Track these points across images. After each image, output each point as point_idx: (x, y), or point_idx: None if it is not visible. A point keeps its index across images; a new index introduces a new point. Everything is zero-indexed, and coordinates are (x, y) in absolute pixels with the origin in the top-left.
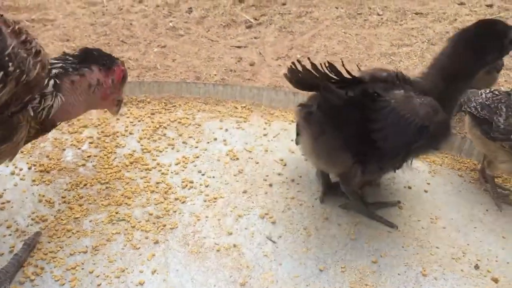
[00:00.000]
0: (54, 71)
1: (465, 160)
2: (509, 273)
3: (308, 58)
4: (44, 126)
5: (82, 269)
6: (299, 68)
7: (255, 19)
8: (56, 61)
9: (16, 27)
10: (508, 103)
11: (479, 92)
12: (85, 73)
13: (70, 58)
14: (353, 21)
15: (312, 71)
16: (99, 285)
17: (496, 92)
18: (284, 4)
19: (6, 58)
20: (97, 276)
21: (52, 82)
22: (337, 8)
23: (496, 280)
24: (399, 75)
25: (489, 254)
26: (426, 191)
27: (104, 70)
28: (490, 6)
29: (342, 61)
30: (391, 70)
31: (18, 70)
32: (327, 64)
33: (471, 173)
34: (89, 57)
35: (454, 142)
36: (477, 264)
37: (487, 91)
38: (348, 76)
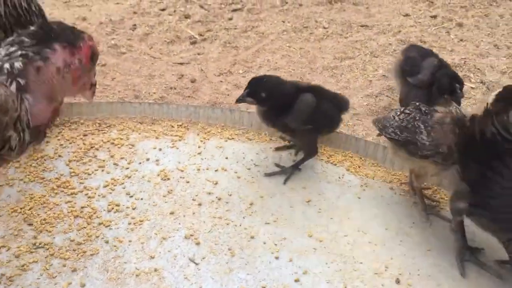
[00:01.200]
0: (15, 64)
1: (397, 173)
2: (429, 287)
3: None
4: (33, 135)
5: None
6: None
7: (200, 34)
8: (12, 48)
9: None
10: (423, 118)
11: (391, 116)
12: (49, 55)
13: (26, 40)
14: (298, 35)
15: None
16: None
17: (407, 111)
18: (230, 19)
19: None
20: None
21: (14, 84)
22: (283, 22)
23: None
24: None
25: (412, 268)
26: (356, 205)
27: (70, 48)
28: (434, 17)
29: None
30: None
31: None
32: None
33: (402, 186)
34: (49, 34)
35: (387, 154)
36: (398, 279)
37: (398, 113)
38: None
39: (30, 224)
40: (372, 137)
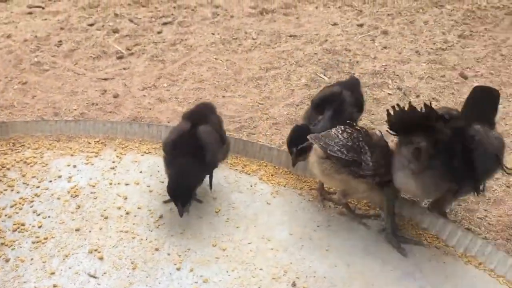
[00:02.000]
0: None
1: (308, 179)
2: (324, 287)
3: (409, 102)
4: None
5: None
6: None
7: (128, 49)
8: None
9: None
10: (366, 139)
11: (333, 134)
12: None
13: None
14: (226, 47)
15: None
16: None
17: (348, 131)
18: (160, 32)
19: None
20: None
21: None
22: (213, 34)
23: None
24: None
25: (308, 271)
26: (264, 213)
27: None
28: (361, 25)
29: (430, 102)
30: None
31: None
32: (424, 105)
33: (312, 192)
34: None
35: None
36: (294, 282)
37: (340, 131)
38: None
39: None
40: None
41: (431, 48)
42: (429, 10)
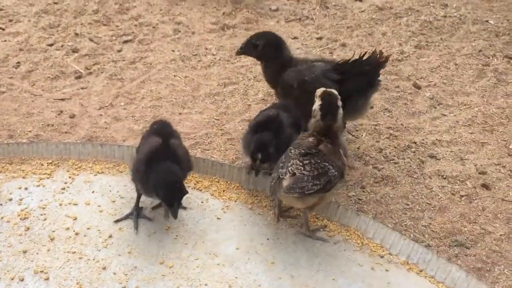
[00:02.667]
0: None
1: (259, 194)
2: None
3: None
4: None
5: None
6: None
7: (87, 68)
8: None
9: None
10: (322, 157)
11: (299, 175)
12: None
13: None
14: (186, 63)
15: None
16: None
17: (306, 161)
18: (119, 51)
19: None
20: None
21: None
22: (173, 51)
23: None
24: None
25: (253, 285)
26: (213, 228)
27: None
28: (320, 38)
29: None
30: None
31: None
32: None
33: (261, 205)
34: None
35: (250, 177)
36: None
37: (301, 167)
38: None
39: None
40: (243, 161)
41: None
42: (386, 22)
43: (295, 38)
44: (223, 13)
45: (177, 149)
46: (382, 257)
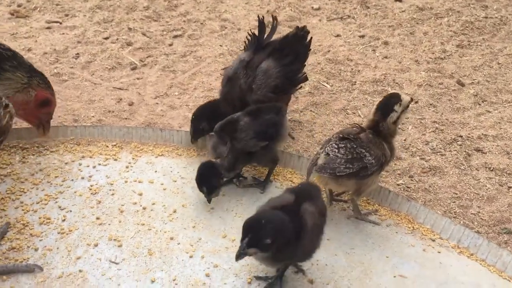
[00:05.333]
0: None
1: (311, 179)
2: (324, 275)
3: None
4: None
5: None
6: None
7: (141, 60)
8: None
9: None
10: (359, 143)
11: (333, 157)
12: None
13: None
14: (234, 58)
15: None
16: None
17: (342, 145)
18: (171, 45)
19: None
20: None
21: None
22: (221, 45)
23: (311, 282)
24: None
25: (312, 260)
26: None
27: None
28: (363, 36)
29: None
30: None
31: None
32: None
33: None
34: None
35: (302, 164)
36: (295, 270)
37: (336, 150)
38: None
39: None
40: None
41: (430, 58)
42: (427, 21)
43: (337, 36)
44: (267, 11)
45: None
46: (433, 240)
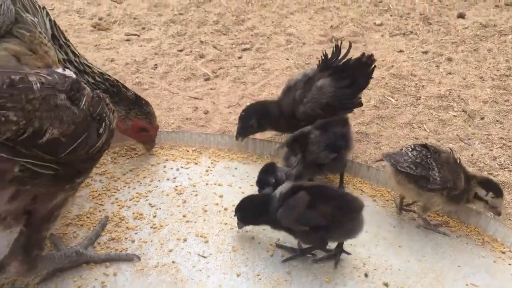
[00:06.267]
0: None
1: (380, 188)
2: (398, 279)
3: None
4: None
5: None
6: None
7: (213, 72)
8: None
9: (101, 95)
10: (434, 157)
11: (403, 151)
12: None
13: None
14: (300, 71)
15: None
16: None
17: (418, 149)
18: (240, 57)
19: (105, 115)
20: None
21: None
22: (287, 59)
23: (386, 285)
24: None
25: (385, 264)
26: None
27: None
28: (426, 52)
29: None
30: None
31: (110, 123)
32: None
33: (383, 199)
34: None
35: (371, 174)
36: (366, 273)
37: (410, 149)
38: None
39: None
40: (369, 162)
41: (495, 75)
42: (491, 38)
43: (400, 51)
44: (331, 26)
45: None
46: (503, 253)
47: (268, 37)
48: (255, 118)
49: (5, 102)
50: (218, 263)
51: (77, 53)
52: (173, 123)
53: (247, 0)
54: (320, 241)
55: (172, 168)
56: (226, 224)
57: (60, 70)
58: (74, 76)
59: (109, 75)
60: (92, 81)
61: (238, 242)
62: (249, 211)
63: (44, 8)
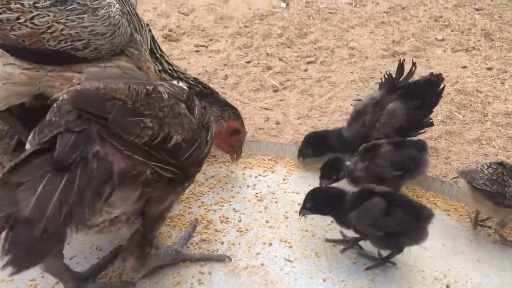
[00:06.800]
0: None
1: (454, 203)
2: None
3: None
4: None
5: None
6: None
7: (281, 84)
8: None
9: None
10: (510, 174)
11: (479, 169)
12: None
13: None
14: (365, 84)
15: None
16: None
17: (494, 166)
18: (306, 70)
19: (210, 124)
20: (156, 282)
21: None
22: (352, 73)
23: None
24: None
25: (465, 277)
26: None
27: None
28: (490, 69)
29: None
30: None
31: (213, 132)
32: None
33: (457, 213)
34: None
35: (444, 188)
36: (448, 285)
37: (486, 167)
38: None
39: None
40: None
41: None
42: None
43: (464, 67)
44: (392, 41)
45: None
46: None
47: (331, 51)
48: (311, 148)
49: (143, 109)
50: (303, 268)
51: (170, 62)
52: (247, 132)
53: (308, 14)
54: (396, 247)
55: (251, 176)
56: (307, 231)
57: (175, 82)
58: (186, 88)
59: (200, 80)
60: (188, 85)
61: (320, 248)
62: (322, 201)
63: (147, 25)
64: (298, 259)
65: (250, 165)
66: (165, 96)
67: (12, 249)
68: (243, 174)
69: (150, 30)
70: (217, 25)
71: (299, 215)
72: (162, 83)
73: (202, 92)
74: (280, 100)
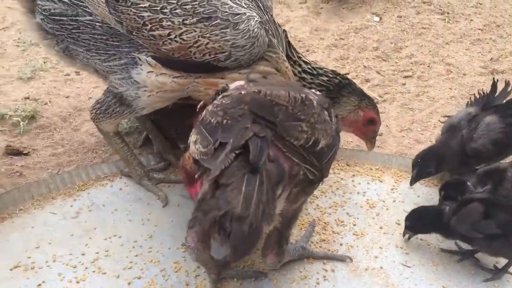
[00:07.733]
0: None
1: None
2: None
3: None
4: None
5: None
6: None
7: (380, 96)
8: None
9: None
10: None
11: None
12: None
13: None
14: (465, 101)
15: None
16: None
17: None
18: (404, 84)
19: (340, 132)
20: (284, 275)
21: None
22: (450, 89)
23: None
24: None
25: None
26: None
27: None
28: None
29: None
30: None
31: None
32: None
33: None
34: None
35: None
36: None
37: None
38: None
39: None
40: None
41: None
42: None
43: None
44: (491, 59)
45: None
46: None
47: (428, 66)
48: (433, 165)
49: (300, 114)
50: (422, 274)
51: (307, 61)
52: (351, 141)
53: (402, 28)
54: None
55: (360, 183)
56: (422, 239)
57: (314, 91)
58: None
59: (338, 72)
60: (327, 79)
61: (437, 257)
62: (422, 221)
63: (284, 30)
64: (416, 266)
65: (359, 173)
66: (315, 103)
67: (233, 243)
68: (353, 181)
69: (286, 36)
70: (313, 36)
71: (403, 236)
72: (309, 92)
73: (341, 83)
74: (381, 113)
